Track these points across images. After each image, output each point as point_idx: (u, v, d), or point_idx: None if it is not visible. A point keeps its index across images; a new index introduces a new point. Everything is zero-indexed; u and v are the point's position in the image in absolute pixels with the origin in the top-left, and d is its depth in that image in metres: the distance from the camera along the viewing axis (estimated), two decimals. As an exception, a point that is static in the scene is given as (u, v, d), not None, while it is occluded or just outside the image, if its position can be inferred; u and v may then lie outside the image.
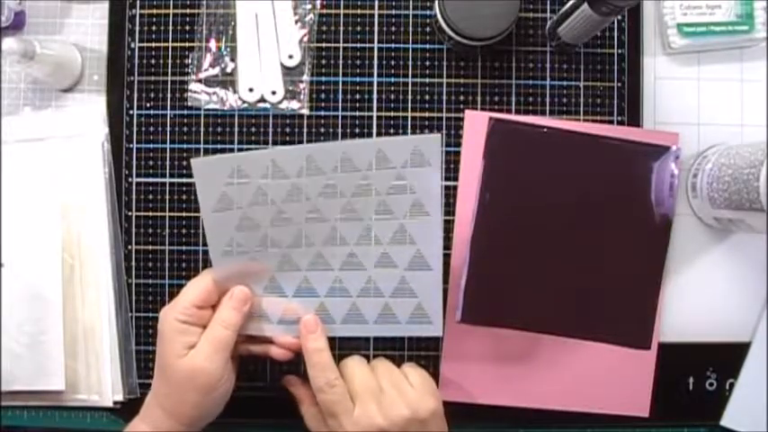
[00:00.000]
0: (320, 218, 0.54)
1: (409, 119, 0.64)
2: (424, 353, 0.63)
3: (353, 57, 0.64)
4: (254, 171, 0.53)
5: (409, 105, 0.64)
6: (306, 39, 0.64)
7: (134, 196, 0.64)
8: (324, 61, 0.64)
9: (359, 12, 0.64)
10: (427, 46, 0.64)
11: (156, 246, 0.63)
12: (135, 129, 0.64)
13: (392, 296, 0.55)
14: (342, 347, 0.61)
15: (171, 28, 0.64)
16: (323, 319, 0.56)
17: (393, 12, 0.64)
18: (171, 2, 0.64)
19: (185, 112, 0.64)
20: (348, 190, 0.53)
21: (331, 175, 0.53)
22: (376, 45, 0.64)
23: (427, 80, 0.64)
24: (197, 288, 0.53)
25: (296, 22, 0.64)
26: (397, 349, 0.63)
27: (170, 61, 0.64)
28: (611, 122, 0.64)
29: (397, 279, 0.55)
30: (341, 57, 0.64)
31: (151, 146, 0.64)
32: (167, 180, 0.64)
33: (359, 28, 0.64)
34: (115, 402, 0.62)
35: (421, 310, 0.55)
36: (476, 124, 0.63)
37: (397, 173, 0.52)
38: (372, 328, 0.56)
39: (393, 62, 0.64)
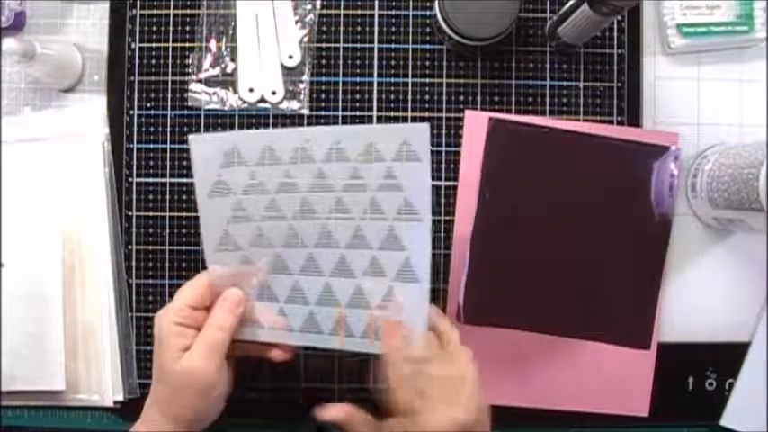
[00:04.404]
0: (311, 214, 0.53)
1: (409, 119, 0.64)
2: (424, 353, 0.63)
3: (353, 57, 0.64)
4: (249, 153, 0.52)
5: (409, 105, 0.64)
6: (306, 39, 0.64)
7: (134, 196, 0.64)
8: (324, 61, 0.64)
9: (359, 12, 0.64)
10: (427, 46, 0.64)
11: (156, 246, 0.63)
12: (135, 129, 0.64)
13: (378, 308, 0.53)
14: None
15: (171, 28, 0.64)
16: (311, 329, 0.54)
17: (393, 12, 0.64)
18: (171, 2, 0.64)
19: (185, 112, 0.64)
20: (339, 183, 0.52)
21: (322, 165, 0.52)
22: (376, 45, 0.64)
23: (427, 80, 0.64)
24: (191, 289, 0.53)
25: (296, 22, 0.64)
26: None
27: (170, 61, 0.64)
28: (611, 122, 0.64)
29: (385, 290, 0.53)
30: (341, 57, 0.64)
31: (151, 146, 0.64)
32: (167, 180, 0.64)
33: (359, 28, 0.64)
34: (115, 402, 0.62)
35: (405, 327, 0.52)
36: (476, 124, 0.63)
37: (388, 167, 0.51)
38: (357, 342, 0.54)
39: (393, 62, 0.64)
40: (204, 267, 0.62)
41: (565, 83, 0.64)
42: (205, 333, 0.52)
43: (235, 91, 0.64)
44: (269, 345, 0.56)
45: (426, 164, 0.51)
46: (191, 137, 0.53)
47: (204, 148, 0.53)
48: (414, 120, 0.64)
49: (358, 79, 0.64)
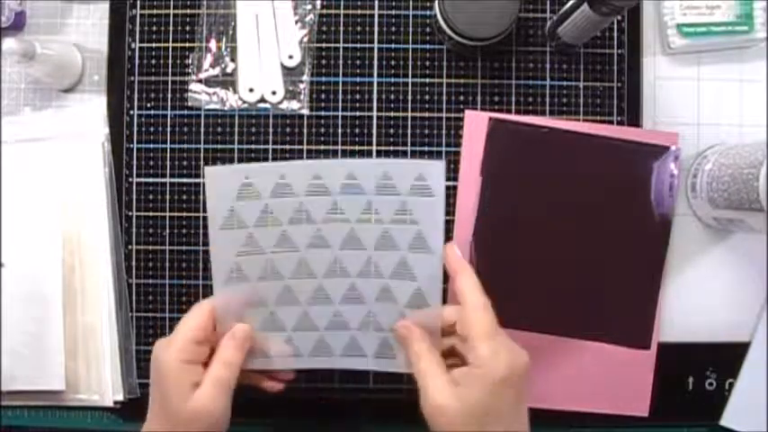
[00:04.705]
0: (323, 245, 0.53)
1: (409, 119, 0.64)
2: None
3: (353, 57, 0.64)
4: (262, 184, 0.52)
5: (409, 105, 0.64)
6: (306, 39, 0.64)
7: (134, 196, 0.64)
8: (324, 61, 0.64)
9: (359, 12, 0.64)
10: (427, 46, 0.64)
11: (156, 246, 0.63)
12: (135, 129, 0.64)
13: (390, 329, 0.54)
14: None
15: (171, 28, 0.64)
16: (322, 352, 0.55)
17: (393, 12, 0.64)
18: (171, 2, 0.64)
19: (185, 112, 0.64)
20: (353, 215, 0.52)
21: (337, 197, 0.52)
22: (376, 45, 0.64)
23: (427, 80, 0.64)
24: (193, 321, 0.52)
25: (296, 22, 0.64)
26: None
27: (170, 61, 0.64)
28: (611, 122, 0.64)
29: (396, 315, 0.53)
30: (341, 57, 0.64)
31: (151, 146, 0.64)
32: (167, 180, 0.64)
33: (359, 28, 0.64)
34: (115, 402, 0.62)
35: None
36: (476, 124, 0.63)
37: (402, 200, 0.52)
38: (371, 362, 0.55)
39: (393, 62, 0.64)
40: (205, 269, 0.62)
41: (565, 83, 0.64)
42: (214, 371, 0.51)
43: (235, 91, 0.64)
44: (264, 373, 0.56)
45: (440, 200, 0.51)
46: (206, 169, 0.52)
47: (219, 179, 0.53)
48: (414, 120, 0.64)
49: (358, 79, 0.64)
